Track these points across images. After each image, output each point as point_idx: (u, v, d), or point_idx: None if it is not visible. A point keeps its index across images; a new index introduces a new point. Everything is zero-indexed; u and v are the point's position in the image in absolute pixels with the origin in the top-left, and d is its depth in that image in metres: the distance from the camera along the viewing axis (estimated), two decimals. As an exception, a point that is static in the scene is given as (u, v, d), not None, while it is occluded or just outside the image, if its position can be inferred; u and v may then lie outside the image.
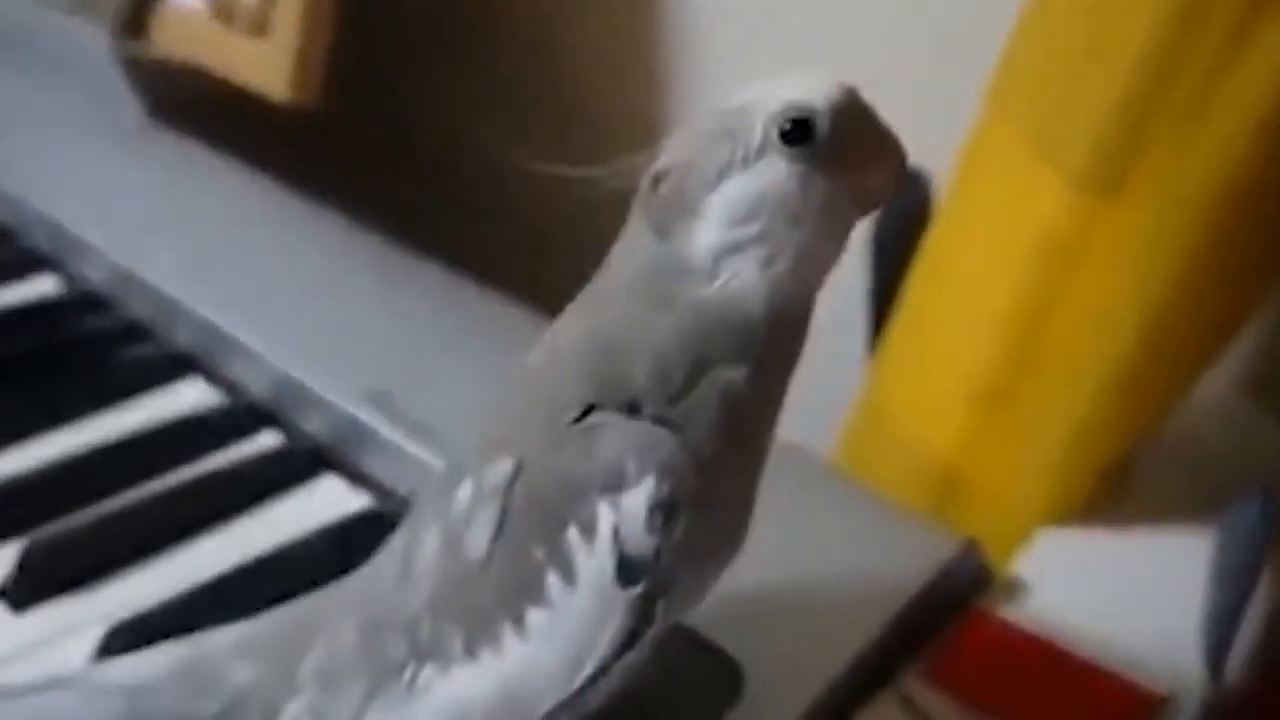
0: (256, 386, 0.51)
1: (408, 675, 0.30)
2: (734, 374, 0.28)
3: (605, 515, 0.28)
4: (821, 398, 0.58)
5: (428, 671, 0.30)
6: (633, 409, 0.28)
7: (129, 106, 0.68)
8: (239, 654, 0.34)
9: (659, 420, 0.28)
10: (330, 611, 0.34)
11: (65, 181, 0.63)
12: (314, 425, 0.49)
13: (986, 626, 0.40)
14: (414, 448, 0.46)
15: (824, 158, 0.28)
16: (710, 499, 0.28)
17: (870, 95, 0.29)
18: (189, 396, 0.52)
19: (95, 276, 0.59)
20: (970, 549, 0.42)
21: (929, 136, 0.58)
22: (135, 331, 0.56)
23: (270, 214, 0.61)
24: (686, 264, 0.29)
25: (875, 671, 0.39)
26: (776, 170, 0.28)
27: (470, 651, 0.29)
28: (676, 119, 0.70)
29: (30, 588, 0.41)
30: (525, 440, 0.29)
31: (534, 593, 0.29)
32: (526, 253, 0.73)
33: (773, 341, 0.29)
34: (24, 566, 0.42)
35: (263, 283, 0.55)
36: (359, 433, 0.48)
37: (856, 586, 0.40)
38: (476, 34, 0.79)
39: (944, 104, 0.53)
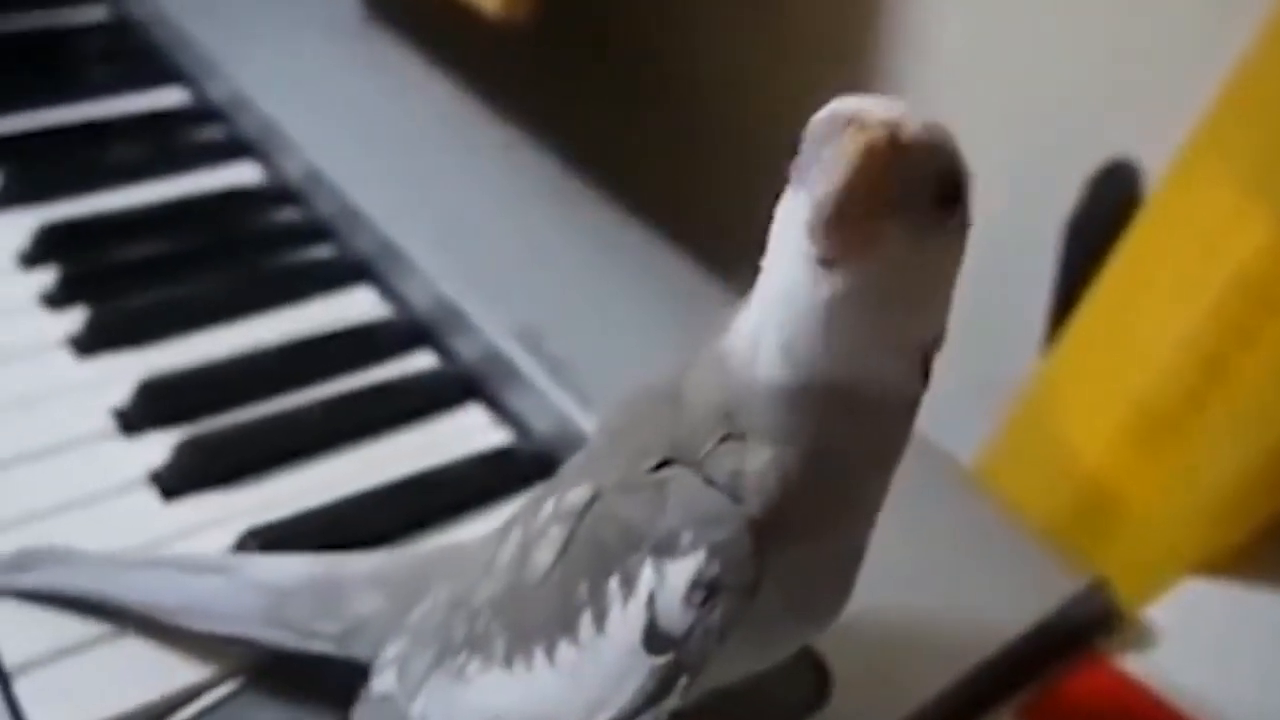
0: (420, 305, 0.53)
1: (460, 659, 0.31)
2: (778, 452, 0.27)
3: (647, 577, 0.27)
4: (990, 381, 0.56)
5: (474, 664, 0.31)
6: (706, 475, 0.27)
7: (349, 3, 0.69)
8: (368, 584, 0.36)
9: (731, 493, 0.27)
10: (445, 569, 0.35)
11: (279, 73, 0.65)
12: (467, 352, 0.50)
13: (1101, 673, 0.38)
14: (558, 391, 0.46)
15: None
16: (766, 591, 0.27)
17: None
18: (357, 305, 0.54)
19: (292, 171, 0.61)
20: (1098, 589, 0.40)
21: (1145, 129, 0.55)
22: (319, 231, 0.58)
23: (465, 130, 0.62)
24: (737, 324, 0.27)
25: (973, 701, 0.38)
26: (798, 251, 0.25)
27: (508, 660, 0.30)
28: (887, 54, 0.67)
29: (182, 478, 0.44)
30: (608, 473, 0.29)
31: (569, 627, 0.29)
32: (727, 174, 0.72)
33: (824, 424, 0.27)
34: (178, 457, 0.44)
35: (444, 200, 0.56)
36: (507, 367, 0.48)
37: (968, 611, 0.39)
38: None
39: (1168, 103, 0.49)
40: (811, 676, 0.37)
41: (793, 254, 0.25)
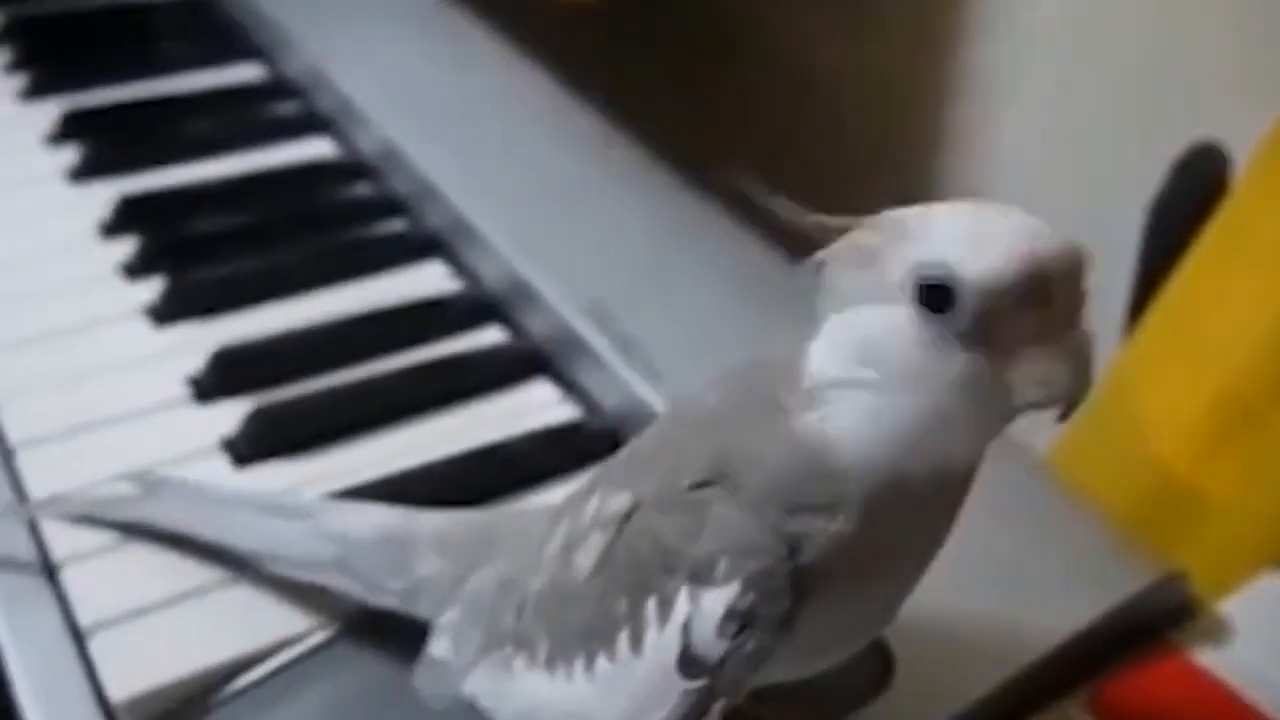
0: (491, 280, 0.53)
1: (507, 652, 0.32)
2: (833, 525, 0.26)
3: (683, 604, 0.27)
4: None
5: (520, 660, 0.31)
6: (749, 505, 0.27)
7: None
8: (433, 546, 0.36)
9: (776, 530, 0.26)
10: (505, 539, 0.35)
11: (354, 49, 0.65)
12: (537, 328, 0.50)
13: (1172, 666, 0.38)
14: (627, 368, 0.46)
15: (970, 330, 0.24)
16: (805, 625, 0.27)
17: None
18: (428, 279, 0.54)
19: (366, 147, 0.61)
20: (1172, 580, 0.39)
21: (1235, 111, 0.53)
22: (393, 206, 0.58)
23: (539, 108, 0.62)
24: (796, 378, 0.27)
25: (1041, 691, 0.37)
26: (909, 323, 0.25)
27: (550, 663, 0.30)
28: (973, 37, 0.66)
29: (253, 446, 0.45)
30: (648, 484, 0.29)
31: (607, 641, 0.29)
32: (802, 155, 0.72)
33: (876, 503, 0.26)
34: (249, 425, 0.45)
35: (516, 177, 0.56)
36: (576, 343, 0.48)
37: (1038, 600, 0.38)
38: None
39: (1258, 84, 0.48)
40: (875, 661, 0.36)
41: (913, 339, 0.25)
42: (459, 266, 0.55)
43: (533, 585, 0.31)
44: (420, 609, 0.36)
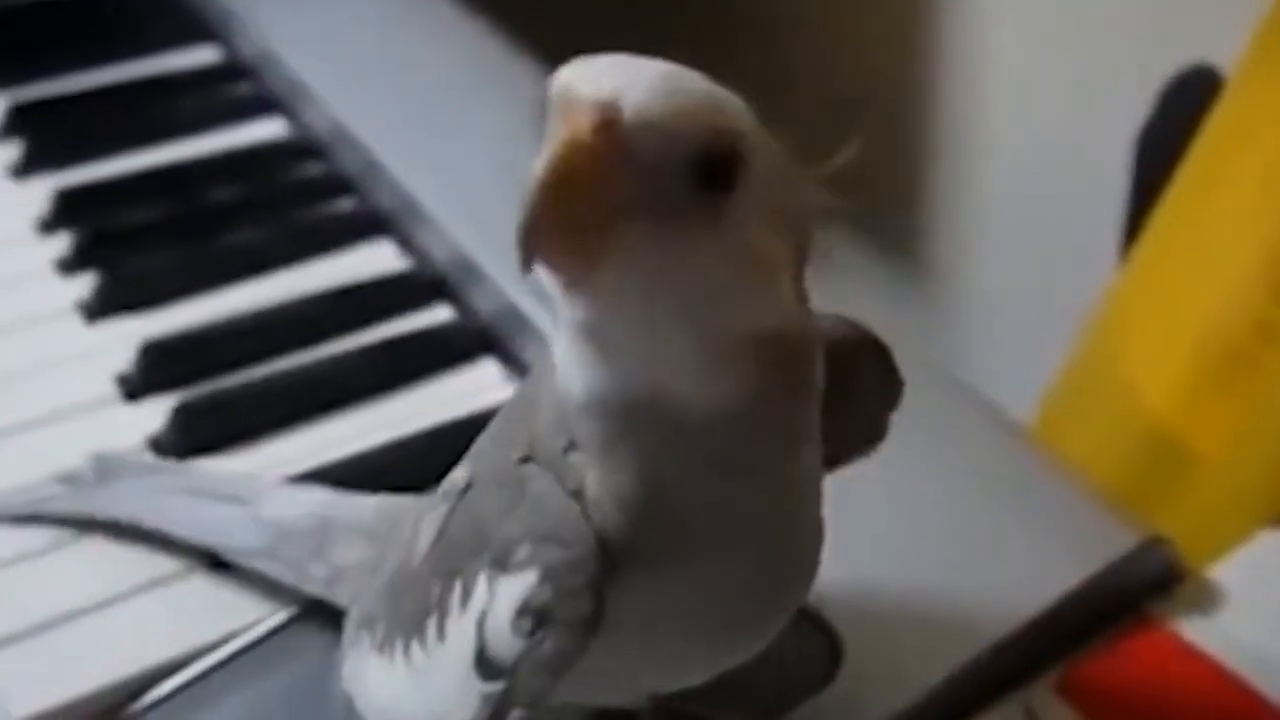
0: (438, 258, 0.50)
1: (360, 634, 0.29)
2: (606, 471, 0.23)
3: (480, 592, 0.24)
4: (1064, 309, 0.52)
5: (365, 642, 0.29)
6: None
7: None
8: (357, 532, 0.34)
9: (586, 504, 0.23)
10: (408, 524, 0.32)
11: (305, 25, 0.63)
12: (483, 305, 0.48)
13: (1152, 640, 0.35)
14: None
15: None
16: (628, 612, 0.23)
17: None
18: (377, 258, 0.52)
19: (317, 125, 0.59)
20: (1154, 546, 0.36)
21: (1225, 32, 0.49)
22: (342, 185, 0.56)
23: (496, 80, 0.59)
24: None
25: (1013, 668, 0.34)
26: None
27: (381, 648, 0.28)
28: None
29: (178, 442, 0.42)
30: (485, 459, 0.26)
31: (421, 628, 0.26)
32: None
33: (628, 439, 0.23)
34: (175, 420, 0.43)
35: (466, 153, 0.54)
36: (521, 320, 0.46)
37: (1005, 574, 0.35)
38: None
39: (1251, 4, 0.44)
40: (819, 647, 0.33)
41: None
42: (406, 244, 0.52)
43: (387, 568, 0.29)
44: (340, 597, 0.34)
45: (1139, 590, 0.36)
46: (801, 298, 0.24)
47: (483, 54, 0.60)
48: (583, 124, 0.20)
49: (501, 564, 0.24)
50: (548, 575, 0.23)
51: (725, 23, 0.74)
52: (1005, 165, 0.63)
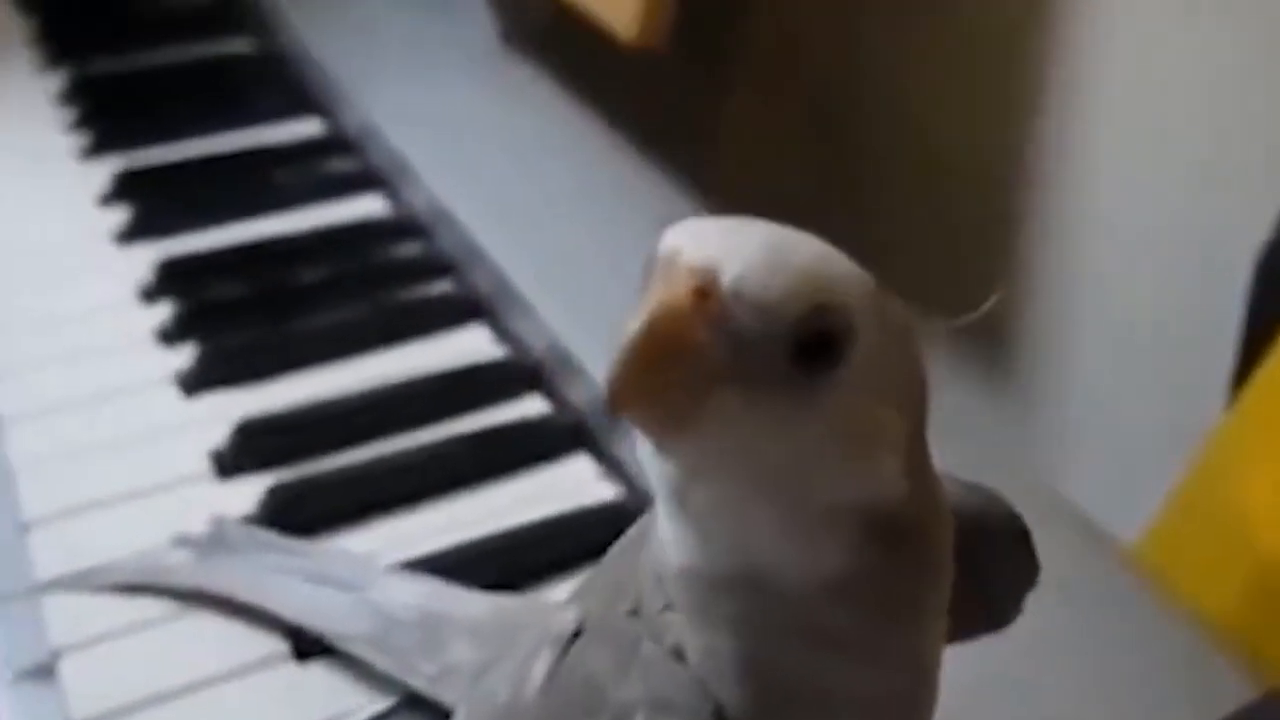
0: (534, 347, 0.50)
1: None
2: (709, 639, 0.22)
3: None
4: (1179, 433, 0.50)
5: None
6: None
7: (484, 28, 0.68)
8: (467, 632, 0.34)
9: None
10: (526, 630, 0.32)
11: (411, 101, 0.64)
12: (577, 397, 0.48)
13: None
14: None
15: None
16: None
17: None
18: (472, 344, 0.52)
19: (417, 203, 0.59)
20: (1272, 700, 0.34)
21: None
22: (441, 266, 0.56)
23: (596, 164, 0.59)
24: None
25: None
26: None
27: None
28: (1060, 63, 0.62)
29: (271, 523, 0.42)
30: (594, 599, 0.26)
31: None
32: (877, 201, 0.68)
33: (727, 612, 0.22)
34: (266, 504, 0.43)
35: (568, 240, 0.54)
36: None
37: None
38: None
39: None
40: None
41: None
42: (501, 330, 0.52)
43: (501, 694, 0.28)
44: (446, 695, 0.34)
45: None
46: (919, 466, 0.23)
47: (589, 142, 0.61)
48: (679, 290, 0.20)
49: None
50: None
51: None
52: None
